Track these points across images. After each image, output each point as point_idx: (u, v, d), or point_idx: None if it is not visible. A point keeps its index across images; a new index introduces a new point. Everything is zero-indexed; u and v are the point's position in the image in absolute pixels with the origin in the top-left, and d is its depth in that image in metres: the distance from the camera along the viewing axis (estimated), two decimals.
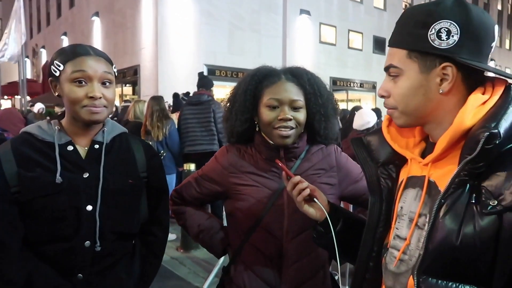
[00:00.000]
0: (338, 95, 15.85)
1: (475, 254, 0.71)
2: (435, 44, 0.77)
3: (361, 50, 16.91)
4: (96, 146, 1.21)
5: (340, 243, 1.05)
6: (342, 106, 14.57)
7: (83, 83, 1.13)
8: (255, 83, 1.33)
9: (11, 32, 7.31)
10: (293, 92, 1.30)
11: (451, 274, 0.73)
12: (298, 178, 1.09)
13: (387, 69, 0.85)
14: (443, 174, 0.79)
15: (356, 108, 5.42)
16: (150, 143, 4.28)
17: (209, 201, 1.54)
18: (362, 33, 16.85)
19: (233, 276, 1.37)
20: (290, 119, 1.27)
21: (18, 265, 1.09)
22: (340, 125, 5.18)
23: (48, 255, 1.13)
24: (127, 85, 13.73)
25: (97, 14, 14.48)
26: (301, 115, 1.30)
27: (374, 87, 17.44)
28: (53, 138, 1.16)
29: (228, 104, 1.40)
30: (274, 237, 1.29)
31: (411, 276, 0.78)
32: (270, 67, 1.39)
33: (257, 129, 1.36)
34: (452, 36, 0.76)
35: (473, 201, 0.72)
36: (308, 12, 14.53)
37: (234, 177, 1.34)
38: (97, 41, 14.59)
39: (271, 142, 1.32)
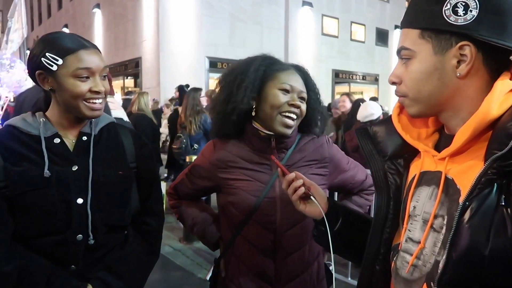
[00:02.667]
0: (340, 88, 15.78)
1: (507, 265, 0.61)
2: (450, 20, 0.68)
3: (363, 42, 16.79)
4: (84, 138, 1.19)
5: (342, 243, 0.99)
6: None
7: (87, 78, 1.12)
8: (266, 65, 1.32)
9: (15, 25, 7.28)
10: (301, 84, 1.31)
11: (476, 286, 0.64)
12: (293, 175, 1.04)
13: (398, 52, 0.76)
14: (463, 171, 0.70)
15: (359, 101, 5.41)
16: (183, 136, 4.20)
17: (202, 195, 1.53)
18: (364, 25, 16.72)
19: (225, 269, 1.36)
20: (299, 107, 1.27)
21: (8, 258, 1.07)
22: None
23: (40, 249, 1.12)
24: (129, 77, 13.67)
25: (98, 6, 14.39)
26: (305, 107, 1.31)
27: (376, 79, 17.35)
28: (39, 131, 1.14)
29: (233, 82, 1.32)
30: (267, 230, 1.28)
31: (425, 283, 0.71)
32: (278, 59, 1.39)
33: (253, 113, 1.31)
34: (470, 10, 0.67)
35: (503, 203, 0.63)
36: (310, 4, 14.41)
37: (223, 172, 1.33)
38: (98, 33, 14.53)
39: (264, 132, 1.30)
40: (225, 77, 1.38)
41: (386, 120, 0.88)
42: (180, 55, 11.63)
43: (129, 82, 13.89)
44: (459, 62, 0.70)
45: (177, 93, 7.01)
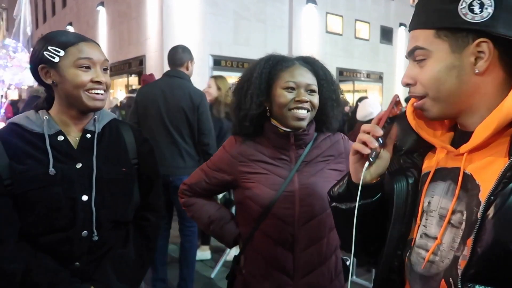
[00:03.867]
0: (345, 86, 15.72)
1: None
2: (467, 18, 0.69)
3: (368, 40, 16.70)
4: (88, 136, 1.20)
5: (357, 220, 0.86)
6: (348, 97, 14.48)
7: (88, 68, 1.13)
8: (269, 67, 1.34)
9: (21, 24, 7.34)
10: (308, 77, 1.32)
11: (502, 281, 0.65)
12: (374, 127, 0.83)
13: (411, 53, 0.77)
14: (482, 166, 0.71)
15: (361, 99, 5.39)
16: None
17: (218, 191, 1.55)
18: (369, 22, 16.63)
19: (245, 265, 1.38)
20: (307, 101, 1.29)
21: (13, 256, 1.08)
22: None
23: (46, 246, 1.13)
24: (133, 75, 13.69)
25: (102, 4, 14.41)
26: (316, 99, 1.33)
27: (381, 77, 17.26)
28: (42, 129, 1.14)
29: (240, 90, 1.38)
30: (286, 223, 1.30)
31: (443, 279, 0.71)
32: (282, 55, 1.40)
33: (268, 114, 1.35)
34: (486, 8, 0.68)
35: None
36: (314, 2, 14.34)
37: (243, 165, 1.35)
38: (102, 31, 14.55)
39: (282, 129, 1.33)
40: (237, 84, 1.43)
41: (399, 116, 0.87)
42: None
43: (133, 80, 13.91)
44: (476, 59, 0.71)
45: None
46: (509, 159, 0.66)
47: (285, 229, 1.30)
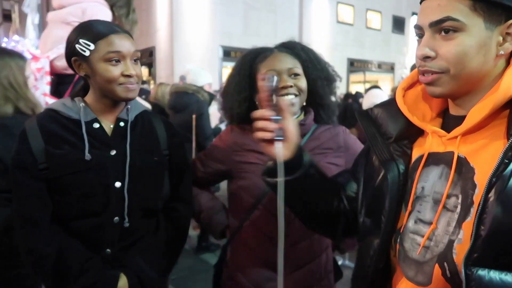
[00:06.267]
0: (355, 77, 15.57)
1: None
2: None
3: (379, 30, 16.46)
4: (121, 124, 1.22)
5: (295, 193, 0.92)
6: (359, 88, 14.34)
7: (117, 61, 1.14)
8: (248, 62, 1.33)
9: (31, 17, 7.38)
10: (288, 61, 1.29)
11: (506, 264, 0.64)
12: (267, 113, 0.87)
13: (439, 23, 0.70)
14: (476, 149, 0.70)
15: (370, 89, 5.36)
16: None
17: (213, 181, 1.53)
18: (380, 12, 16.37)
19: (232, 257, 1.36)
20: (291, 86, 1.25)
21: (48, 239, 1.11)
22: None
23: (77, 231, 1.16)
24: (143, 66, 13.74)
25: None
26: (302, 82, 1.28)
27: (392, 68, 17.04)
28: (79, 115, 1.17)
29: (225, 90, 1.40)
30: (276, 217, 1.25)
31: (437, 264, 0.71)
32: (261, 46, 1.38)
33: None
34: None
35: None
36: None
37: (238, 155, 1.33)
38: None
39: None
40: (224, 83, 1.44)
41: (387, 102, 0.86)
42: (194, 45, 11.62)
43: (143, 71, 13.95)
44: (503, 40, 0.69)
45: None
46: (508, 140, 0.65)
47: (275, 222, 1.26)
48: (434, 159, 0.77)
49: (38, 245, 1.10)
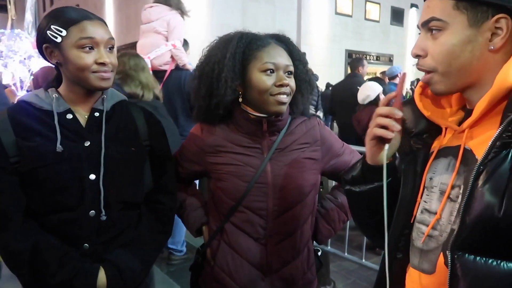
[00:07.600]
0: None
1: None
2: None
3: (378, 21, 16.39)
4: (96, 114, 1.19)
5: (365, 205, 0.91)
6: None
7: (91, 49, 1.11)
8: (243, 46, 1.20)
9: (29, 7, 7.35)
10: (285, 58, 1.21)
11: (491, 250, 0.65)
12: (391, 110, 0.81)
13: (426, 23, 0.74)
14: (481, 141, 0.70)
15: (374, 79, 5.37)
16: None
17: (194, 178, 1.46)
18: (379, 3, 16.28)
19: (214, 257, 1.31)
20: (287, 85, 1.18)
21: (22, 235, 1.09)
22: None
23: (53, 226, 1.13)
24: None
25: None
26: (293, 82, 1.22)
27: (391, 60, 16.99)
28: (51, 106, 1.14)
29: (211, 73, 1.22)
30: (258, 216, 1.23)
31: (441, 253, 0.72)
32: (253, 32, 1.28)
33: (240, 99, 1.22)
34: None
35: None
36: None
37: (212, 157, 1.26)
38: (109, 14, 14.47)
39: (254, 114, 1.22)
40: (203, 67, 1.25)
41: (410, 100, 0.87)
42: (192, 36, 11.48)
43: None
44: (492, 35, 0.70)
45: None
46: (499, 128, 0.66)
47: (258, 222, 1.23)
48: (444, 152, 0.79)
49: (11, 241, 1.07)
